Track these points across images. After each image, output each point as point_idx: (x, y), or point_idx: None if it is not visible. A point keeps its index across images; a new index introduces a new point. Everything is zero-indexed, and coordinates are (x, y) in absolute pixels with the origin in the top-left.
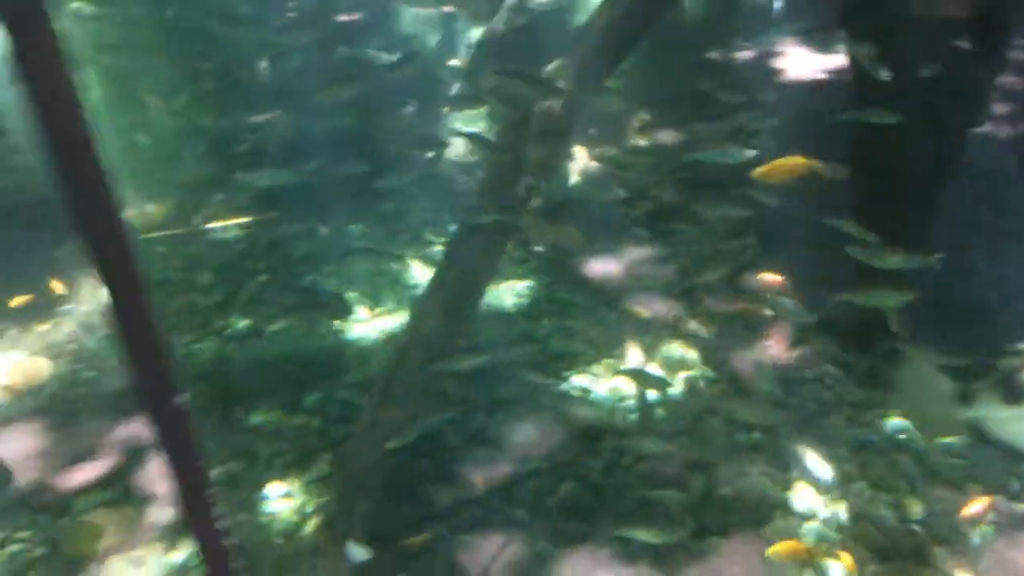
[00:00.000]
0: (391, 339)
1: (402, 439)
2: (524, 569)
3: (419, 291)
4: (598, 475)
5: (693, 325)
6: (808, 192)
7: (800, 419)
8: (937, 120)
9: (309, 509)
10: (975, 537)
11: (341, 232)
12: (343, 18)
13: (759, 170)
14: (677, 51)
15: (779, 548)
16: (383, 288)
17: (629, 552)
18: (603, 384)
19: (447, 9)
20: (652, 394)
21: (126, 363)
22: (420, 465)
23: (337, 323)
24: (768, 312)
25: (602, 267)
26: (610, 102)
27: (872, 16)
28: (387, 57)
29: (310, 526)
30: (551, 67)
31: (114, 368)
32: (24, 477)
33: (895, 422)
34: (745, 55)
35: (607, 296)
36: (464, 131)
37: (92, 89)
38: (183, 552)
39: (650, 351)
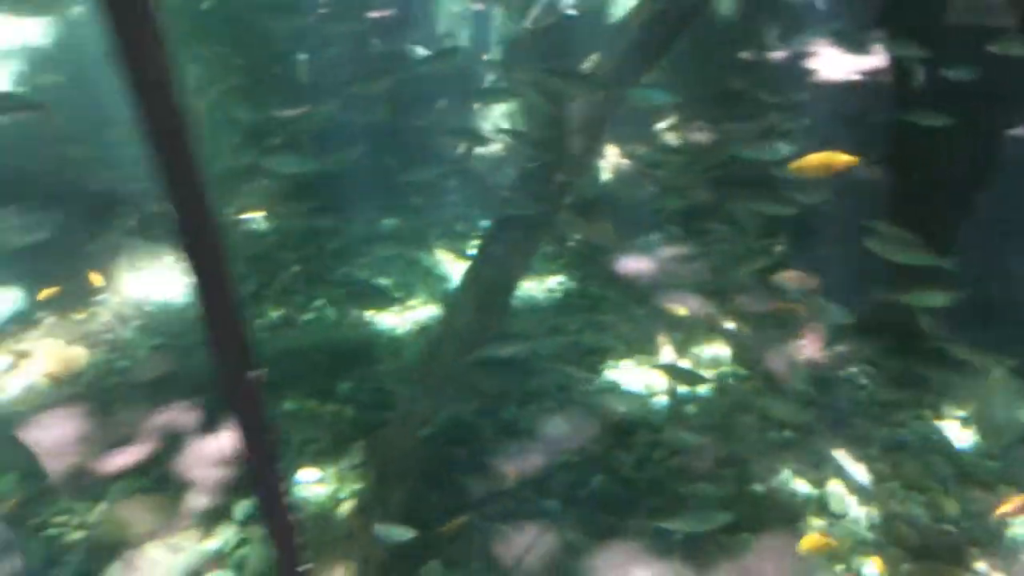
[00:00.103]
0: (423, 330)
1: (431, 427)
2: (557, 561)
3: (450, 284)
4: (630, 469)
5: (725, 323)
6: (842, 192)
7: (833, 418)
8: (975, 123)
9: (342, 495)
10: (1009, 538)
11: (373, 225)
12: (375, 14)
13: (795, 163)
14: (709, 50)
15: (811, 543)
16: (415, 280)
17: (661, 546)
18: (635, 379)
19: (478, 6)
20: (684, 389)
21: (207, 338)
22: (453, 454)
23: (369, 314)
24: (802, 311)
25: (633, 264)
26: (661, 98)
27: (911, 19)
28: (422, 52)
29: (343, 511)
30: (588, 64)
31: (148, 358)
32: (61, 462)
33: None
34: (777, 55)
35: (639, 293)
36: (506, 128)
37: None
38: (219, 539)
39: (682, 348)
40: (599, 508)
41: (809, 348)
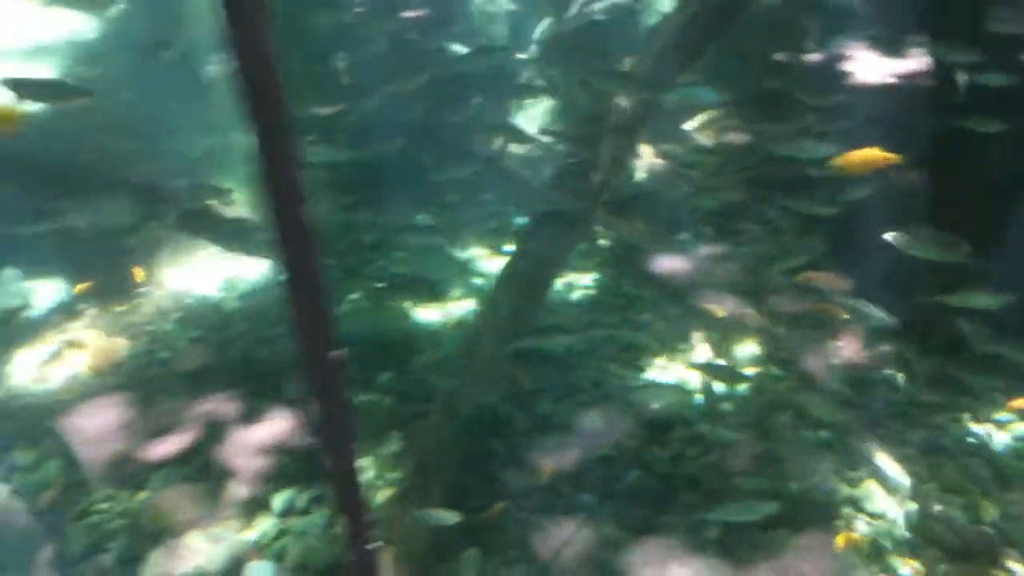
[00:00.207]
0: (460, 324)
1: (469, 419)
2: (594, 555)
3: (486, 279)
4: (665, 465)
5: (761, 323)
6: (880, 194)
7: (869, 419)
8: (1017, 127)
9: (380, 483)
10: None
11: (409, 220)
12: (411, 14)
13: (837, 160)
14: (744, 52)
15: (847, 540)
16: (451, 275)
17: (697, 542)
18: (670, 377)
19: (513, 6)
20: (719, 387)
21: (292, 316)
22: (490, 447)
23: (407, 307)
24: (839, 313)
25: (668, 263)
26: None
27: (952, 25)
28: (460, 49)
29: (381, 499)
30: (626, 63)
31: (187, 350)
32: (104, 451)
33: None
34: (814, 58)
35: (673, 291)
36: (548, 128)
37: None
38: (258, 530)
39: (717, 347)
40: (635, 503)
41: (847, 349)
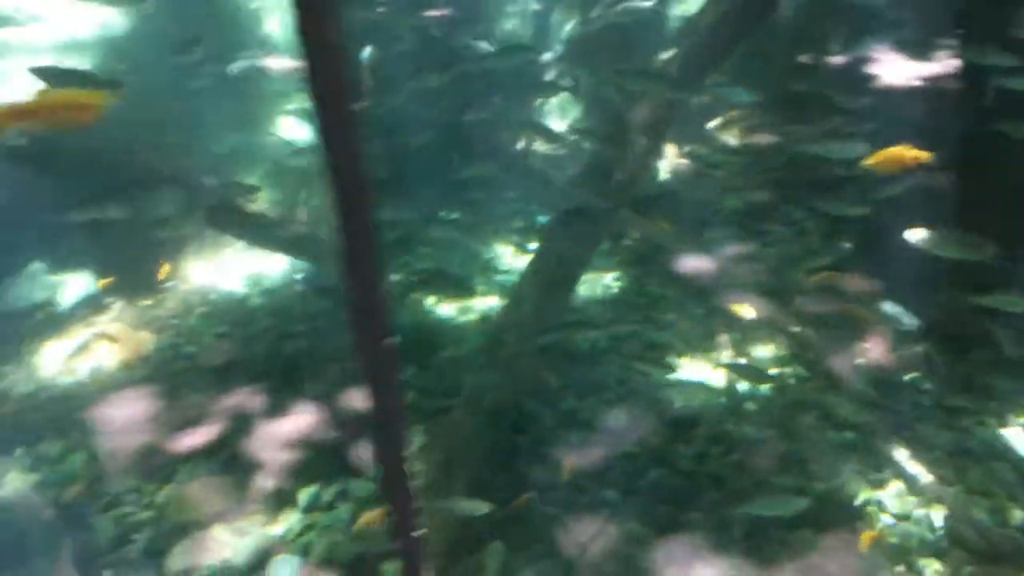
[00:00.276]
0: (484, 320)
1: (493, 414)
2: (619, 551)
3: (509, 276)
4: (689, 463)
5: (786, 323)
6: (906, 196)
7: (895, 421)
8: None
9: None
10: None
11: (431, 218)
12: (436, 13)
13: (869, 159)
14: (771, 53)
15: (872, 540)
16: (475, 272)
17: (722, 540)
18: (693, 376)
19: (536, 6)
20: (744, 387)
21: (348, 301)
22: (515, 442)
23: (430, 302)
24: (866, 315)
25: (692, 263)
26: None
27: (980, 29)
28: (485, 47)
29: None
30: (655, 63)
31: (213, 345)
32: (131, 442)
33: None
34: (841, 60)
35: (697, 291)
36: (579, 127)
37: None
38: (283, 525)
39: (741, 347)
40: (658, 500)
41: (874, 351)
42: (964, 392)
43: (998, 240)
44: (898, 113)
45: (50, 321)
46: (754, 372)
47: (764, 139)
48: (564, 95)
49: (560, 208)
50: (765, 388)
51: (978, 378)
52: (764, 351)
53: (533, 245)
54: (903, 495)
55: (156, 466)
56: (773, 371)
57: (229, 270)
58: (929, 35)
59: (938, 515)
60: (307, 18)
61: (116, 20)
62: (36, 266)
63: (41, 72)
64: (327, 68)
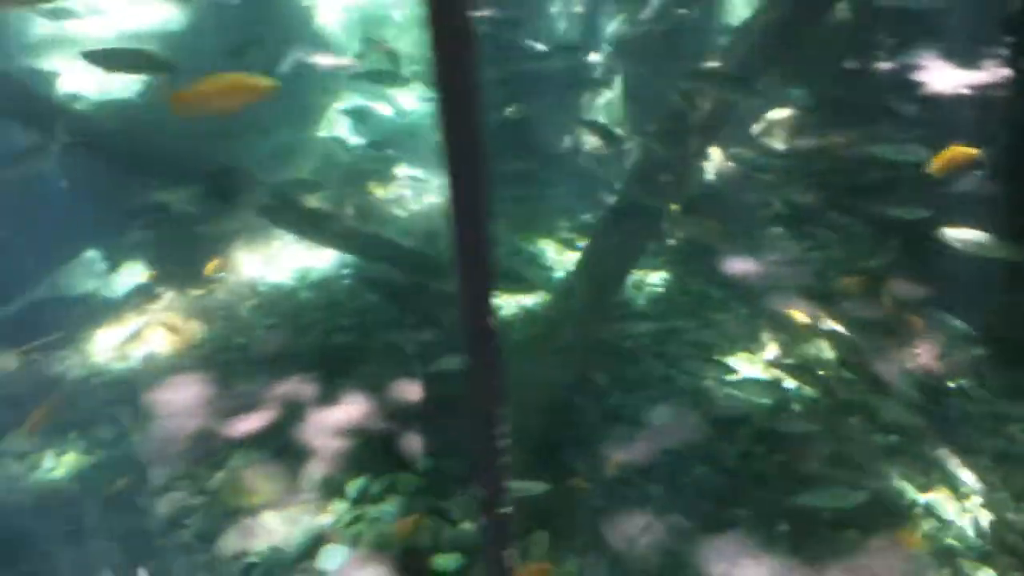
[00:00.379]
0: (529, 314)
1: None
2: (665, 546)
3: (555, 272)
4: (733, 461)
5: (832, 326)
6: (955, 202)
7: (942, 426)
8: None
9: None
10: None
11: None
12: (485, 12)
13: (935, 164)
14: (818, 58)
15: (918, 541)
16: (520, 267)
17: (766, 538)
18: (738, 376)
19: (580, 8)
20: (789, 385)
21: (457, 282)
22: (561, 436)
23: None
24: (913, 319)
25: (737, 264)
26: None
27: None
28: (534, 47)
29: None
30: (707, 64)
31: (263, 336)
32: (185, 428)
33: None
34: (889, 66)
35: (743, 292)
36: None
37: None
38: (333, 514)
39: (787, 348)
40: (702, 497)
41: (923, 356)
42: (1013, 398)
43: None
44: (946, 120)
45: (104, 308)
46: (805, 373)
47: (809, 143)
48: (610, 95)
49: (611, 205)
50: (811, 390)
51: None
52: (811, 352)
53: (581, 242)
54: (950, 499)
55: (209, 452)
56: (819, 373)
57: (278, 263)
58: (977, 44)
59: (985, 520)
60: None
61: (175, 14)
62: (91, 254)
63: (93, 56)
64: (454, 53)
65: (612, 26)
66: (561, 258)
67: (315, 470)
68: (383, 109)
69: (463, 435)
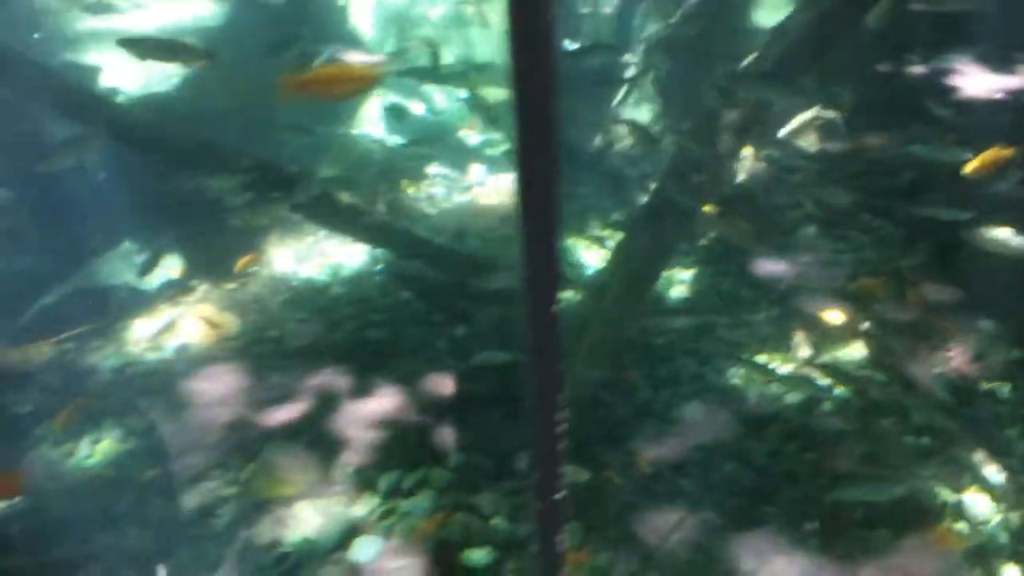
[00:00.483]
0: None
1: (571, 403)
2: (695, 541)
3: (584, 270)
4: (763, 459)
5: (864, 328)
6: (988, 203)
7: (974, 428)
8: None
9: None
10: None
11: None
12: None
13: (970, 166)
14: (852, 60)
15: (951, 543)
16: None
17: (799, 536)
18: (769, 374)
19: (610, 10)
20: (821, 383)
21: (524, 266)
22: (591, 431)
23: None
24: (944, 321)
25: (768, 265)
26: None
27: None
28: (567, 45)
29: None
30: (743, 64)
31: (295, 330)
32: (218, 418)
33: None
34: (922, 70)
35: (774, 293)
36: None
37: None
38: (365, 507)
39: (818, 349)
40: (733, 494)
41: (957, 359)
42: None
43: None
44: (981, 124)
45: (138, 300)
46: (837, 373)
47: (843, 145)
48: (642, 94)
49: (644, 204)
50: (842, 390)
51: None
52: (842, 355)
53: (610, 241)
54: (981, 501)
55: (242, 442)
56: (852, 374)
57: (310, 259)
58: (1012, 47)
59: (1016, 520)
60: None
61: (215, 11)
62: (127, 246)
63: (128, 43)
64: (533, 55)
65: (645, 25)
66: (591, 256)
67: (347, 462)
68: (416, 107)
69: (495, 431)
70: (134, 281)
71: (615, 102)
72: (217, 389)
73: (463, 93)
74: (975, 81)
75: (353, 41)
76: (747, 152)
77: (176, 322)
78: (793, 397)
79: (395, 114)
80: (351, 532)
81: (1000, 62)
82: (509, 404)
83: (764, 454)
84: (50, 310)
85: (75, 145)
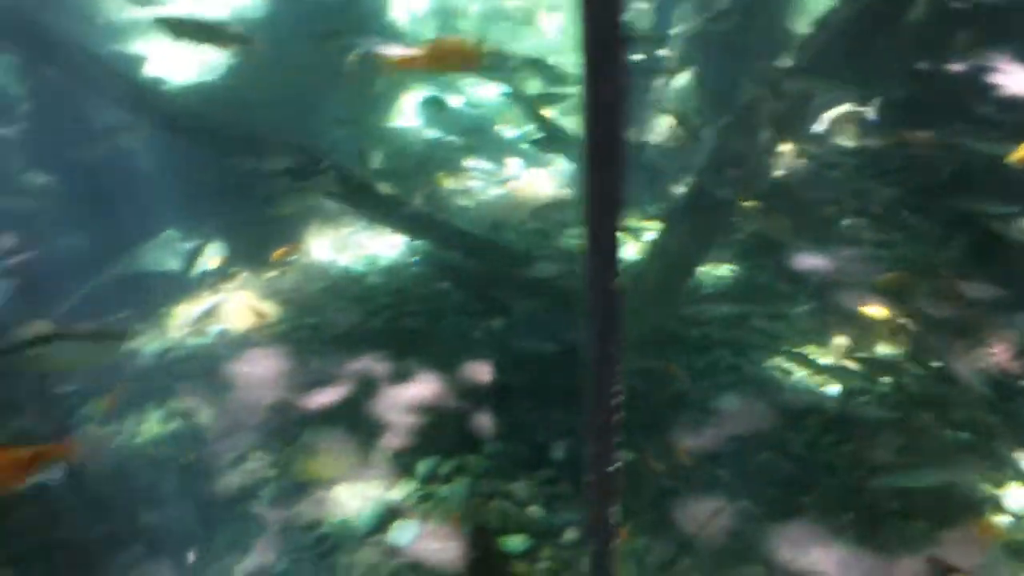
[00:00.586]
0: None
1: None
2: (735, 532)
3: (621, 261)
4: (801, 449)
5: (903, 323)
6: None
7: (1015, 424)
8: None
9: None
10: None
11: None
12: None
13: (1016, 154)
14: (891, 56)
15: (991, 536)
16: None
17: (837, 527)
18: (804, 369)
19: (645, 3)
20: (860, 378)
21: (586, 243)
22: (629, 420)
23: None
24: (985, 318)
25: (806, 259)
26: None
27: None
28: None
29: None
30: (781, 59)
31: (334, 318)
32: (260, 401)
33: None
34: (960, 67)
35: (812, 287)
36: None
37: None
38: (402, 492)
39: (857, 343)
40: (770, 484)
41: (999, 356)
42: None
43: None
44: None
45: (180, 286)
46: (878, 366)
47: (883, 141)
48: (678, 86)
49: (682, 196)
50: (880, 383)
51: None
52: (881, 348)
53: (645, 233)
54: (1022, 495)
55: (282, 425)
56: (889, 369)
57: (348, 249)
58: None
59: None
60: None
61: (258, 2)
62: (170, 233)
63: (165, 24)
64: (605, 54)
65: (684, 18)
66: (628, 248)
67: (386, 447)
68: (454, 100)
69: (532, 421)
70: (176, 268)
71: (653, 95)
72: (257, 373)
73: (505, 87)
74: (1017, 78)
75: (393, 34)
76: (785, 147)
77: (217, 308)
78: (831, 389)
79: (434, 107)
80: (389, 515)
81: None
82: (546, 394)
83: (802, 445)
84: (94, 294)
85: (118, 132)
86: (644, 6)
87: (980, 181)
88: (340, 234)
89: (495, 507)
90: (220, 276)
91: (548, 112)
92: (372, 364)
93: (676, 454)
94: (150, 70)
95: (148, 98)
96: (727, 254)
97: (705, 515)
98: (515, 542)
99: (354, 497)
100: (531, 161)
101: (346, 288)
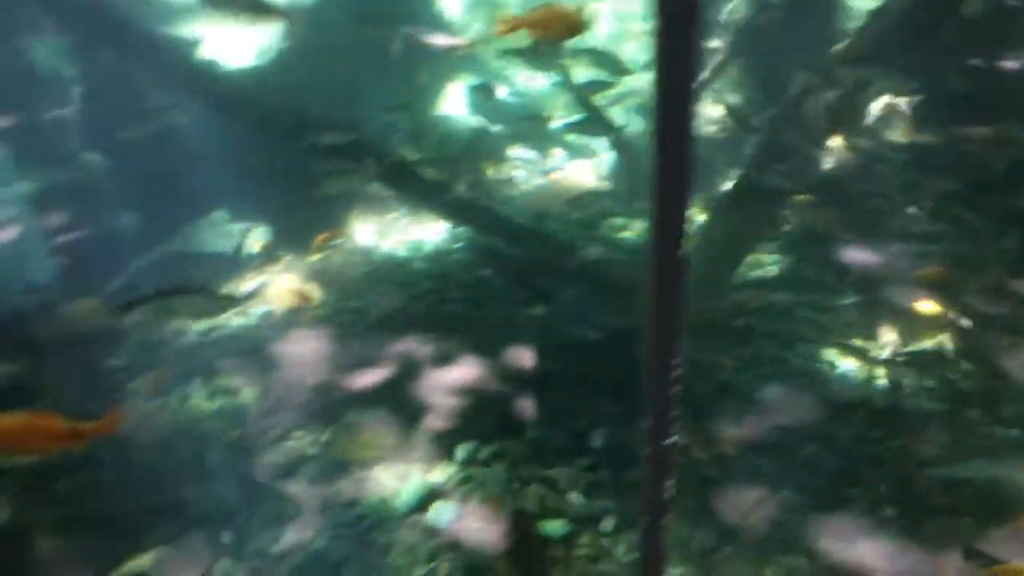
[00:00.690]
0: None
1: None
2: (778, 523)
3: None
4: (847, 443)
5: (953, 319)
6: None
7: None
8: None
9: None
10: None
11: None
12: None
13: None
14: (943, 51)
15: None
16: None
17: (883, 520)
18: (853, 362)
19: None
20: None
21: (652, 215)
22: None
23: None
24: None
25: (854, 253)
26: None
27: None
28: None
29: None
30: (838, 48)
31: (377, 302)
32: (301, 381)
33: None
34: (1013, 65)
35: (860, 281)
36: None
37: None
38: (442, 475)
39: (906, 337)
40: (816, 476)
41: None
42: None
43: None
44: None
45: (227, 266)
46: (927, 361)
47: (935, 136)
48: (727, 78)
49: (730, 188)
50: (929, 379)
51: None
52: (929, 344)
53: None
54: None
55: (325, 405)
56: (938, 364)
57: (391, 234)
58: None
59: None
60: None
61: None
62: (218, 214)
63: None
64: (679, 39)
65: (735, 7)
66: None
67: (426, 429)
68: (500, 90)
69: (572, 409)
70: (224, 248)
71: (702, 85)
72: (301, 353)
73: (555, 76)
74: None
75: (439, 23)
76: (836, 141)
77: (262, 289)
78: (879, 383)
79: (482, 94)
80: (428, 497)
81: None
82: (586, 382)
83: (849, 438)
84: (143, 273)
85: (165, 112)
86: None
87: None
88: (383, 220)
89: (534, 492)
90: (265, 258)
91: (596, 99)
92: (414, 347)
93: (720, 443)
94: (205, 52)
95: (203, 80)
96: (774, 246)
97: (748, 505)
98: (554, 527)
99: (394, 478)
100: (575, 153)
101: (389, 273)
